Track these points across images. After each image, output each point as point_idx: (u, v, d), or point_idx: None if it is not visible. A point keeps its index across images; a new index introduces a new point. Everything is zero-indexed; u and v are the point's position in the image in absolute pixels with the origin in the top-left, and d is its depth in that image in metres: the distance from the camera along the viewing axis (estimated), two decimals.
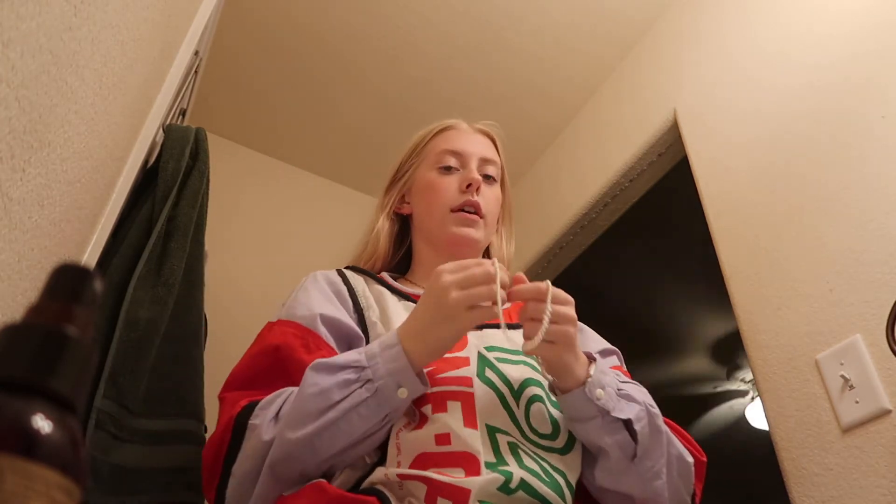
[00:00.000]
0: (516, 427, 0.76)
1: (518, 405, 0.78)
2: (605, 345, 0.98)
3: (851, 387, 1.11)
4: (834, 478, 1.11)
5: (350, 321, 0.86)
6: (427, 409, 0.75)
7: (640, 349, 3.45)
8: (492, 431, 0.74)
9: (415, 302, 0.91)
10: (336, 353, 0.80)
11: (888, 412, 1.06)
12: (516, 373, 0.81)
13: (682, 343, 3.48)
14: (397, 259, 1.09)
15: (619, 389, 0.76)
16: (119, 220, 0.99)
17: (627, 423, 0.74)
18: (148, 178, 1.08)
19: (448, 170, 1.02)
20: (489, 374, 0.79)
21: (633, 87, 1.99)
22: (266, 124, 2.34)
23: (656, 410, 0.78)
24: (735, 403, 3.84)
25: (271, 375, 0.78)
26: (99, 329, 0.86)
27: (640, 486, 0.75)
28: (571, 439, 0.79)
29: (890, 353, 1.04)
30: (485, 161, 1.03)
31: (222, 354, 1.89)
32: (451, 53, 2.07)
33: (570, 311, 0.73)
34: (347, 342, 0.84)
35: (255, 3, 1.96)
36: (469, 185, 0.98)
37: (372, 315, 0.88)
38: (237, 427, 0.73)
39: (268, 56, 2.11)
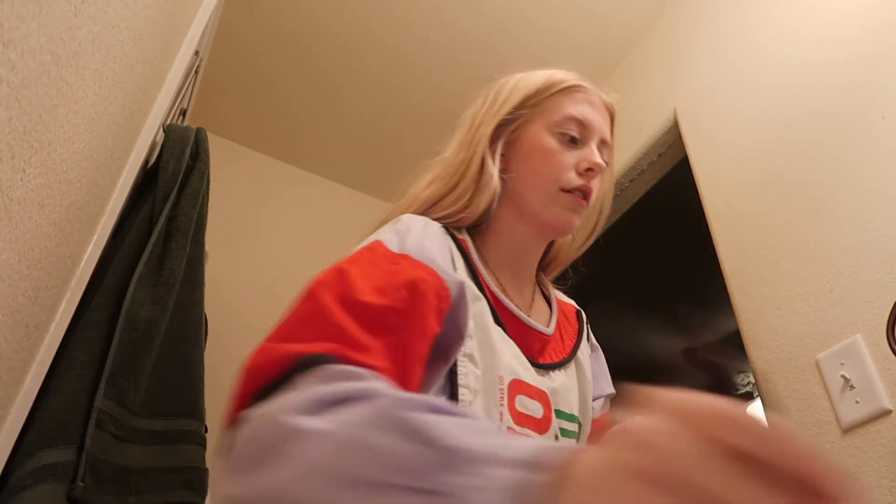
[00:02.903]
0: None
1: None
2: (612, 388, 0.91)
3: (852, 387, 1.11)
4: None
5: (467, 307, 0.67)
6: None
7: (639, 348, 3.45)
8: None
9: (505, 330, 0.74)
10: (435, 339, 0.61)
11: (888, 412, 1.06)
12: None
13: (682, 343, 3.48)
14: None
15: None
16: (119, 220, 0.99)
17: None
18: (148, 178, 1.08)
19: (571, 140, 0.85)
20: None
21: (633, 87, 1.99)
22: (266, 124, 2.34)
23: None
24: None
25: (395, 322, 0.57)
26: (99, 329, 0.86)
27: None
28: None
29: (890, 353, 1.04)
30: (603, 143, 0.88)
31: (222, 354, 1.90)
32: (454, 50, 2.07)
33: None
34: (457, 328, 0.66)
35: (256, 4, 1.96)
36: (590, 170, 0.83)
37: (470, 336, 0.68)
38: (287, 370, 0.49)
39: (268, 56, 2.11)
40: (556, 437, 0.70)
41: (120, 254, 0.94)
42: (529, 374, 0.72)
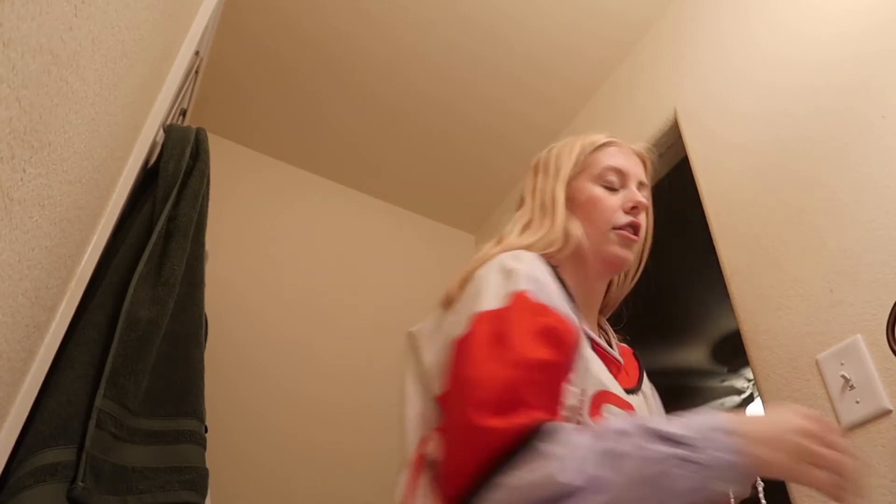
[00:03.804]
0: None
1: None
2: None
3: (852, 387, 1.11)
4: None
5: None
6: None
7: (640, 349, 3.45)
8: None
9: (595, 352, 0.84)
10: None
11: (888, 412, 1.06)
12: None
13: (683, 342, 3.48)
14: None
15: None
16: (119, 220, 0.99)
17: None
18: (148, 178, 1.08)
19: (611, 188, 0.99)
20: None
21: (633, 87, 1.99)
22: (266, 124, 2.34)
23: None
24: (735, 403, 3.84)
25: (556, 374, 0.71)
26: (99, 329, 0.86)
27: None
28: None
29: (890, 353, 1.04)
30: (642, 185, 1.02)
31: (222, 354, 1.90)
32: (449, 56, 2.07)
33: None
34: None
35: (256, 4, 1.96)
36: (634, 207, 0.97)
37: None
38: (522, 442, 0.63)
39: (268, 56, 2.11)
40: None
41: (120, 254, 0.94)
42: (617, 389, 0.82)
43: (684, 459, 0.59)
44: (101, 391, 0.81)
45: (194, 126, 1.18)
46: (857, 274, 1.17)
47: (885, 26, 1.25)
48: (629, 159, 1.03)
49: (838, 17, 1.36)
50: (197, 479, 0.95)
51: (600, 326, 1.04)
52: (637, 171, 1.02)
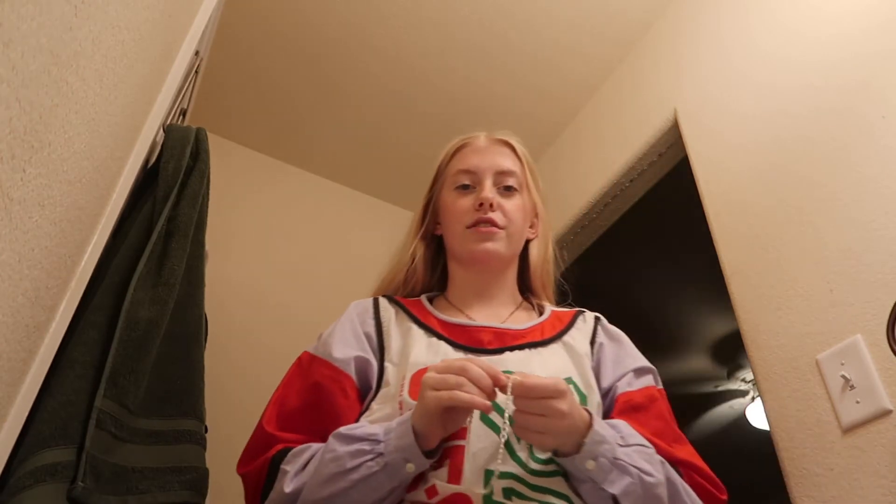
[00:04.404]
0: (518, 463, 0.78)
1: (520, 440, 0.80)
2: (642, 362, 0.98)
3: (852, 387, 1.11)
4: (834, 478, 1.11)
5: (374, 364, 0.94)
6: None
7: (640, 348, 3.45)
8: (487, 477, 0.76)
9: (441, 338, 0.95)
10: (360, 396, 0.91)
11: (889, 412, 1.06)
12: None
13: (683, 342, 3.48)
14: (436, 278, 1.12)
15: (615, 458, 0.75)
16: (119, 220, 0.99)
17: (615, 498, 0.74)
18: (148, 178, 1.08)
19: (465, 188, 1.05)
20: (494, 415, 0.80)
21: (634, 87, 1.99)
22: (266, 124, 2.34)
23: (654, 479, 0.77)
24: (735, 403, 3.84)
25: (309, 414, 0.88)
26: (99, 329, 0.86)
27: None
28: None
29: (890, 353, 1.04)
30: (501, 173, 1.05)
31: (222, 354, 1.90)
32: (452, 53, 2.07)
33: (546, 404, 0.73)
34: (368, 383, 0.93)
35: (256, 4, 1.96)
36: (481, 205, 1.01)
37: (393, 358, 0.93)
38: (272, 468, 0.83)
39: (268, 56, 2.11)
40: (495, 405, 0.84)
41: (120, 254, 0.94)
42: (454, 357, 0.91)
43: (367, 452, 0.75)
44: (101, 391, 0.81)
45: (194, 126, 1.18)
46: (857, 274, 1.17)
47: (885, 26, 1.25)
48: (482, 154, 1.07)
49: (838, 18, 1.36)
50: (197, 480, 0.95)
51: (529, 301, 1.09)
52: (492, 163, 1.05)
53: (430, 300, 1.06)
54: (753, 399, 3.72)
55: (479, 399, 0.72)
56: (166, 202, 1.02)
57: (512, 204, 1.04)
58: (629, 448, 0.78)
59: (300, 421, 0.88)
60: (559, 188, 2.17)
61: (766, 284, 1.35)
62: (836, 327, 1.18)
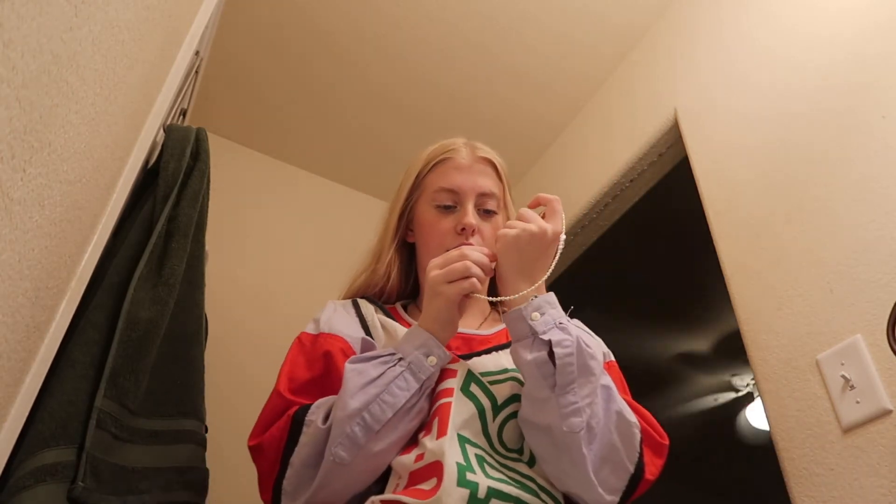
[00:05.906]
0: (486, 439, 0.81)
1: (494, 419, 0.83)
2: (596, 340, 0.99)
3: (852, 387, 1.11)
4: (834, 478, 1.11)
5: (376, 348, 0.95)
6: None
7: (641, 348, 3.46)
8: (462, 441, 0.79)
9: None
10: None
11: (889, 412, 1.06)
12: (503, 390, 0.86)
13: (682, 331, 3.49)
14: (409, 286, 1.11)
15: (560, 322, 0.79)
16: (120, 220, 0.99)
17: (550, 345, 0.77)
18: (148, 179, 1.08)
19: (445, 208, 1.01)
20: (474, 388, 0.84)
21: (634, 87, 1.99)
22: (266, 124, 2.34)
23: (593, 352, 0.79)
24: (735, 403, 3.84)
25: (321, 382, 0.87)
26: (100, 329, 0.86)
27: (557, 418, 0.75)
28: None
29: (891, 353, 1.04)
30: (483, 196, 1.01)
31: (222, 354, 1.90)
32: (454, 50, 2.08)
33: (531, 227, 0.84)
34: None
35: (256, 3, 1.96)
36: (463, 230, 0.98)
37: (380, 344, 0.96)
38: (294, 423, 0.80)
39: (268, 56, 2.11)
40: (467, 386, 0.87)
41: (120, 254, 0.94)
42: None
43: (388, 361, 0.81)
44: (101, 391, 0.81)
45: (194, 126, 1.18)
46: (857, 274, 1.17)
47: (885, 27, 1.25)
48: (465, 175, 1.02)
49: (838, 18, 1.36)
50: (197, 480, 0.95)
51: (498, 310, 1.09)
52: (474, 184, 1.01)
53: (405, 307, 1.08)
54: (753, 399, 3.71)
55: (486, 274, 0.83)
56: (166, 202, 1.02)
57: (490, 227, 1.01)
58: (579, 329, 0.83)
59: (314, 388, 0.87)
60: (559, 188, 2.17)
61: (766, 284, 1.35)
62: (836, 327, 1.18)
